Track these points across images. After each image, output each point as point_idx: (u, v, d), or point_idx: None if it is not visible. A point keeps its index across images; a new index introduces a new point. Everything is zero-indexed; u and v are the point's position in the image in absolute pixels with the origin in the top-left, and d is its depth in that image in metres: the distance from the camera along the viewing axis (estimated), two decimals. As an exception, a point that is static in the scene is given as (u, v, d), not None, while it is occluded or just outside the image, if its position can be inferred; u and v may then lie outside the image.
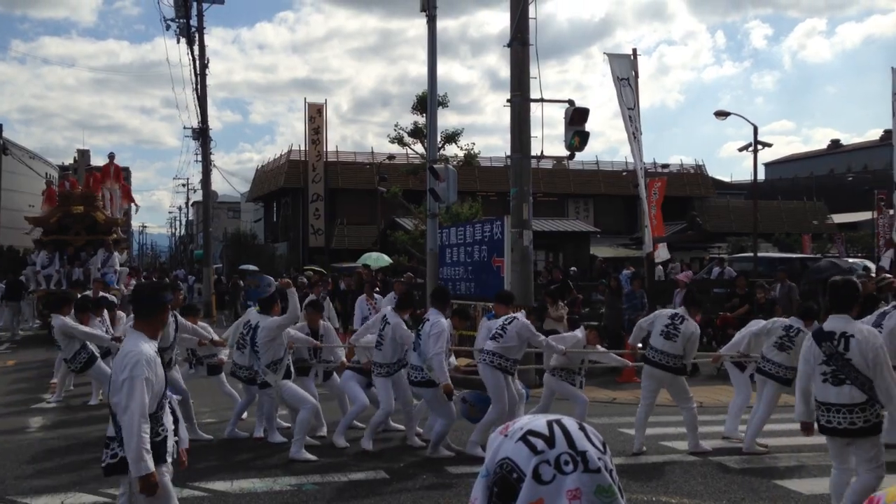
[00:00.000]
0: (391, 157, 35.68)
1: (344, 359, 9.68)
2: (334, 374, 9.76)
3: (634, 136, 15.95)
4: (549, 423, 1.34)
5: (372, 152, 44.12)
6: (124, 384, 4.35)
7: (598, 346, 9.63)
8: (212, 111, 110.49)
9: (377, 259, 27.66)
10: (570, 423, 1.35)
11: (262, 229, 54.34)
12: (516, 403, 8.82)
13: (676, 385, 8.76)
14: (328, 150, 43.78)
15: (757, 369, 8.95)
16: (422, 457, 8.49)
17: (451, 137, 27.83)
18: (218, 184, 61.08)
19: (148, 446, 4.36)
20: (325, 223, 42.16)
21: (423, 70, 16.74)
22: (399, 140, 28.01)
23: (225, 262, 43.61)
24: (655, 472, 7.86)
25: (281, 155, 46.72)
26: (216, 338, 9.85)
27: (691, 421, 8.66)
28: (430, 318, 8.50)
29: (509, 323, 8.68)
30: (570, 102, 13.79)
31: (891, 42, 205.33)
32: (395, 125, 28.77)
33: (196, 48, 29.23)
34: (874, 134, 72.30)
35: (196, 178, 49.12)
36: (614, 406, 11.53)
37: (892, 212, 20.49)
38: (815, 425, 5.75)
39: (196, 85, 29.36)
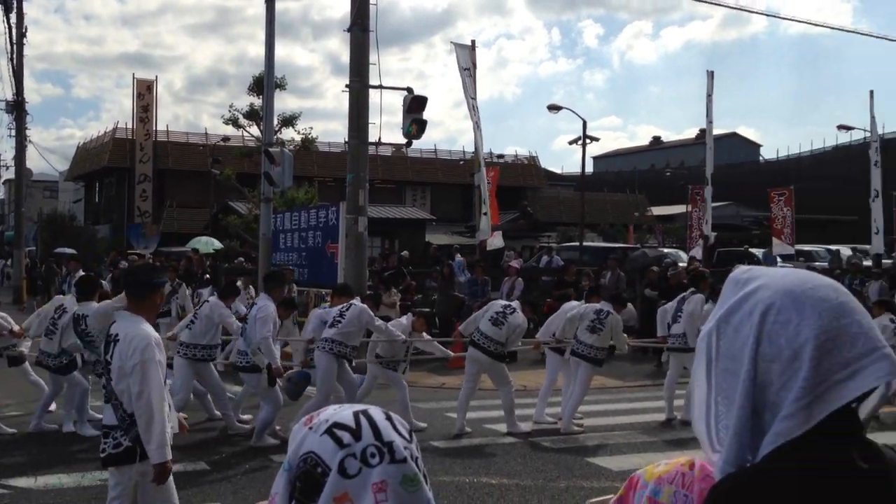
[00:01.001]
0: (226, 138, 34.58)
1: None
2: None
3: (478, 125, 16.20)
4: (356, 415, 1.32)
5: (206, 133, 42.57)
6: (135, 369, 4.18)
7: (424, 334, 9.81)
8: (29, 83, 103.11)
9: (207, 243, 26.82)
10: (377, 414, 1.34)
11: (82, 210, 51.22)
12: (355, 389, 8.84)
13: (496, 369, 9.04)
14: (158, 128, 41.85)
15: (571, 351, 9.39)
16: (245, 446, 8.33)
17: (289, 121, 27.33)
18: (34, 161, 57.16)
19: (168, 432, 4.25)
20: (152, 205, 40.30)
21: (263, 50, 16.26)
22: (234, 122, 27.20)
23: (39, 244, 40.74)
24: (477, 454, 8.10)
25: (106, 132, 44.20)
26: (15, 328, 9.13)
27: (508, 404, 8.97)
28: (259, 303, 8.36)
29: (347, 309, 8.66)
30: (409, 90, 13.88)
31: (708, 47, 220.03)
32: (230, 106, 27.91)
33: (13, 16, 27.28)
34: (691, 132, 77.43)
35: (9, 155, 45.46)
36: (443, 391, 11.74)
37: (704, 205, 21.93)
38: None
39: (12, 55, 27.42)
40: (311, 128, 30.38)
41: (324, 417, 1.33)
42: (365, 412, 1.32)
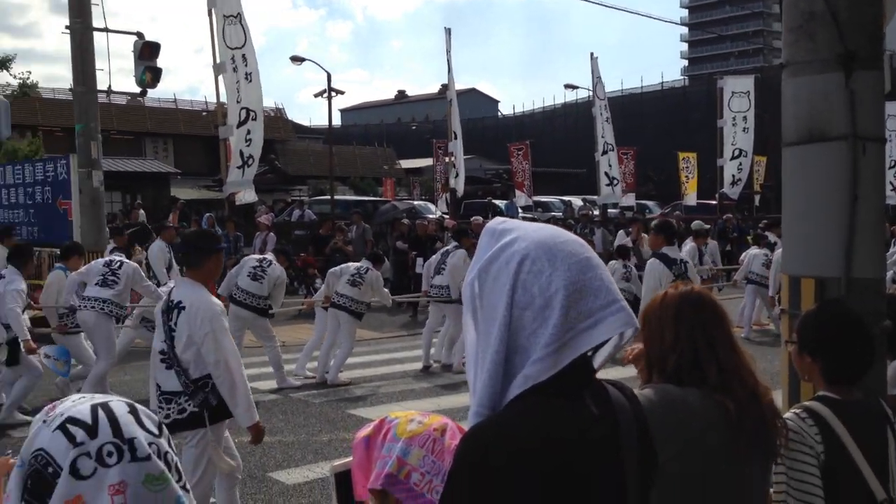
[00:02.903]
0: (-77, 80, 30.45)
1: None
2: None
3: (248, 77, 14.82)
4: (94, 409, 1.19)
5: None
6: (206, 339, 4.21)
7: None
8: None
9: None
10: (119, 408, 1.22)
11: None
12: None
13: (259, 325, 8.96)
14: None
15: (332, 304, 9.46)
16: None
17: (2, 63, 24.58)
18: None
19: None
20: None
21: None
22: (-66, 63, 24.03)
23: None
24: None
25: None
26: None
27: (276, 359, 8.96)
28: (7, 276, 7.81)
29: (119, 267, 8.31)
30: (139, 35, 13.00)
31: (446, 4, 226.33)
32: (-74, 43, 24.58)
33: None
34: (434, 87, 79.83)
35: None
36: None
37: (448, 159, 22.60)
38: None
39: None
40: (30, 72, 27.53)
41: (59, 410, 1.21)
42: (105, 405, 1.21)
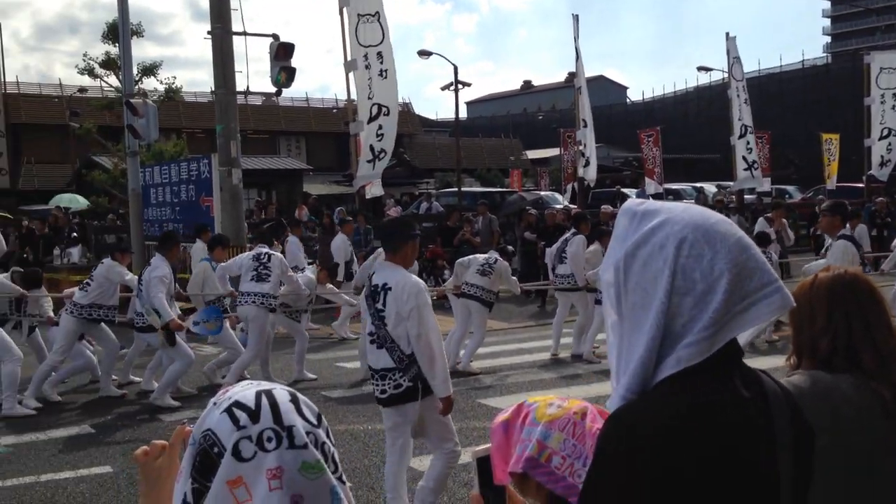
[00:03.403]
0: (83, 89, 32.68)
1: (51, 313, 8.93)
2: (37, 329, 9.00)
3: (383, 74, 14.94)
4: (258, 395, 1.24)
5: (60, 84, 40.06)
6: (412, 313, 4.48)
7: (329, 285, 9.90)
8: None
9: (71, 200, 25.57)
10: (281, 395, 1.26)
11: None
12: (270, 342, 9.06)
13: None
14: (6, 80, 39.10)
15: (462, 293, 9.51)
16: (131, 408, 8.09)
17: (150, 70, 25.97)
18: None
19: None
20: (8, 162, 37.81)
21: (115, -6, 15.24)
22: (90, 72, 25.63)
23: None
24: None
25: (-53, 85, 40.89)
26: None
27: None
28: (153, 263, 8.32)
29: (268, 260, 8.74)
30: (275, 37, 13.50)
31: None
32: (85, 55, 26.19)
33: None
34: (560, 76, 79.08)
35: None
36: (330, 341, 11.70)
37: (577, 147, 22.24)
38: None
39: None
40: (175, 77, 29.01)
41: (229, 394, 1.26)
42: (269, 393, 1.25)
